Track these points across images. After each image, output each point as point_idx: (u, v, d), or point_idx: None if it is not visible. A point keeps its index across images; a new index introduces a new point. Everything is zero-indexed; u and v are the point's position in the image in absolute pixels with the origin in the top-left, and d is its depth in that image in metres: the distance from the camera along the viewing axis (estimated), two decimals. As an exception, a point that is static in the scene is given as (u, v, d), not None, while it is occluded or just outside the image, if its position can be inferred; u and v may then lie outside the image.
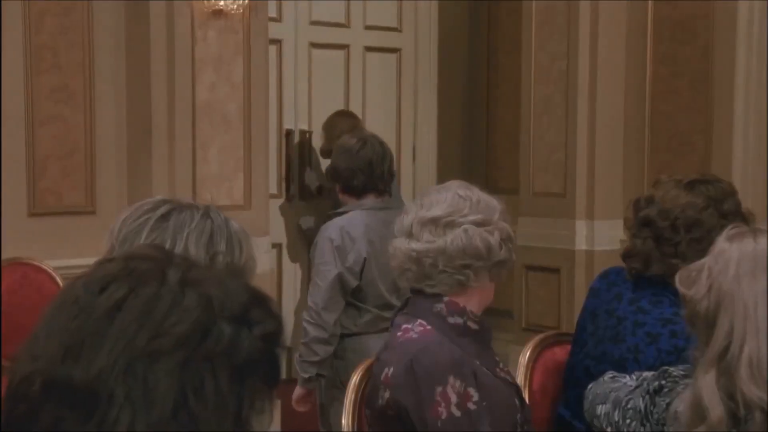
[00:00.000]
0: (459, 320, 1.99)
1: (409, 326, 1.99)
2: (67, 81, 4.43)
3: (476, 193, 2.04)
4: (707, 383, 1.44)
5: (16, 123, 4.31)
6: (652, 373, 1.79)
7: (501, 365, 2.09)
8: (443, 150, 6.06)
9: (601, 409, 1.87)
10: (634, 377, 1.88)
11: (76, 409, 0.82)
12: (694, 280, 1.50)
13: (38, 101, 4.37)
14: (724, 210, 2.24)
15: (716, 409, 1.42)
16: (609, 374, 1.98)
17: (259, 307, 0.90)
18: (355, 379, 2.22)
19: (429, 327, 1.98)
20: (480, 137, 6.22)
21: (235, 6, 4.43)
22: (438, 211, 1.99)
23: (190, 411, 0.83)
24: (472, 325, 2.00)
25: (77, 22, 4.43)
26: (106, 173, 4.52)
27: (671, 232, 2.24)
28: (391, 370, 1.94)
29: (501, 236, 2.00)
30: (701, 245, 2.19)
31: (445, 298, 2.00)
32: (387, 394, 1.94)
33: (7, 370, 0.97)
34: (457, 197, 2.01)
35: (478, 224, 1.98)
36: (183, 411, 0.82)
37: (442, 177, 5.85)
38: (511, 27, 5.89)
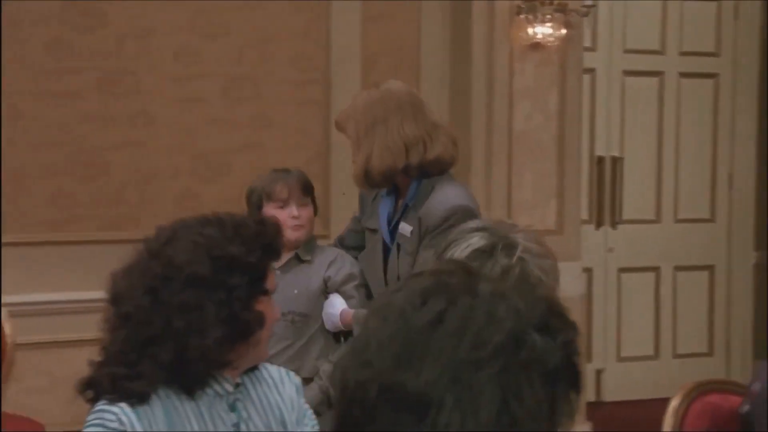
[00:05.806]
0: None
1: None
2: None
3: None
4: None
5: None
6: None
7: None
8: (762, 178, 5.83)
9: None
10: None
11: (411, 412, 0.88)
12: None
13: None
14: None
15: None
16: None
17: (556, 316, 0.94)
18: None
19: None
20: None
21: (552, 38, 4.61)
22: None
23: (512, 415, 0.87)
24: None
25: (407, 61, 4.82)
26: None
27: None
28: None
29: None
30: None
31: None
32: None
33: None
34: None
35: None
36: (505, 415, 0.87)
37: (761, 206, 5.66)
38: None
